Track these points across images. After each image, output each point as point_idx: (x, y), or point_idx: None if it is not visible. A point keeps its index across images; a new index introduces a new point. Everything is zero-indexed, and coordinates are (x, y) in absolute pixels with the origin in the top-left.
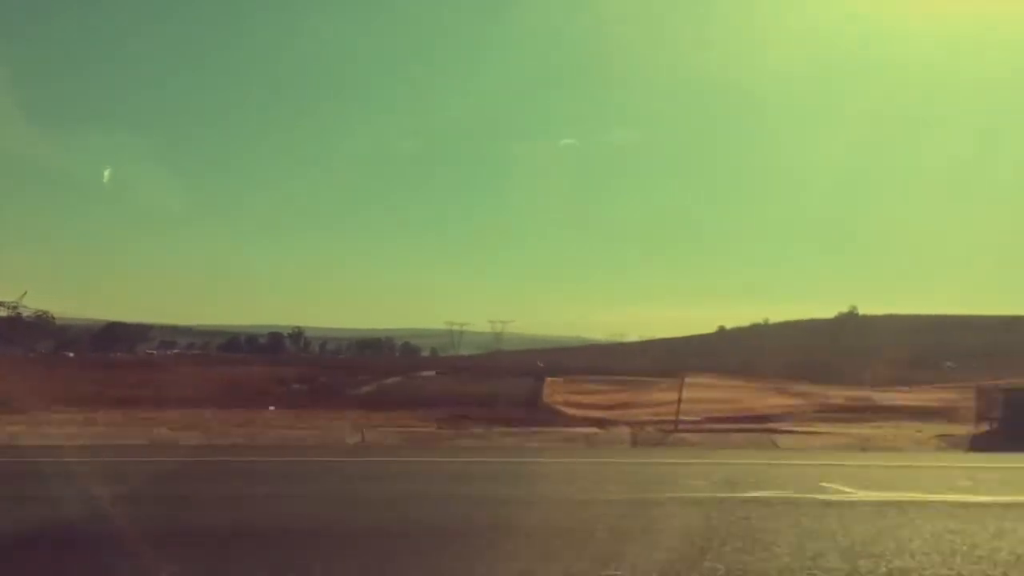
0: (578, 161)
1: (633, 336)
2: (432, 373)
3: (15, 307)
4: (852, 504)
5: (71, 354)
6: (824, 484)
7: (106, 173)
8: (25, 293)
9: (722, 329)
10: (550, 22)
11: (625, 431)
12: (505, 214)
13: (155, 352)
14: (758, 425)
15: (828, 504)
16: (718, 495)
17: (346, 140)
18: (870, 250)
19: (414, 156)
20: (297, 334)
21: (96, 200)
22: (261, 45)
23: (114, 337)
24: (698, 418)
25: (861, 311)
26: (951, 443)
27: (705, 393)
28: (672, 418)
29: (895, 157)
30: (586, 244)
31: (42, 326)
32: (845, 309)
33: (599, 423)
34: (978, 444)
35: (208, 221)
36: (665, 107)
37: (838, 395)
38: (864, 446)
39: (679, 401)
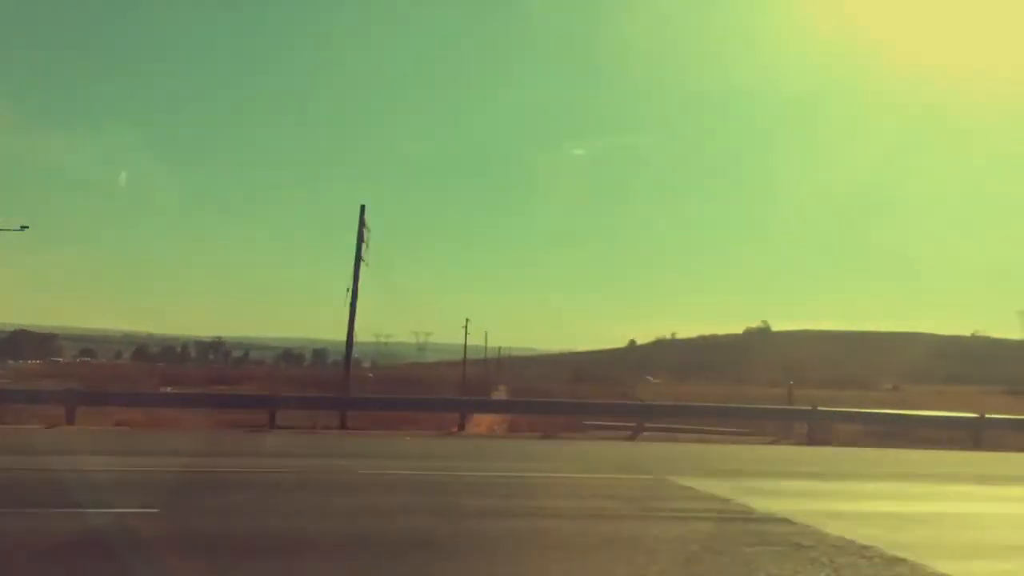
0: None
1: (559, 348)
2: None
3: None
4: None
5: None
6: None
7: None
8: None
9: (633, 343)
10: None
11: None
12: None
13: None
14: None
15: None
16: None
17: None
18: (784, 264)
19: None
20: (217, 343)
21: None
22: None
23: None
24: None
25: (776, 327)
26: None
27: None
28: None
29: (816, 175)
30: (504, 256)
31: None
32: (757, 324)
33: None
34: None
35: (149, 221)
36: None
37: None
38: None
39: None
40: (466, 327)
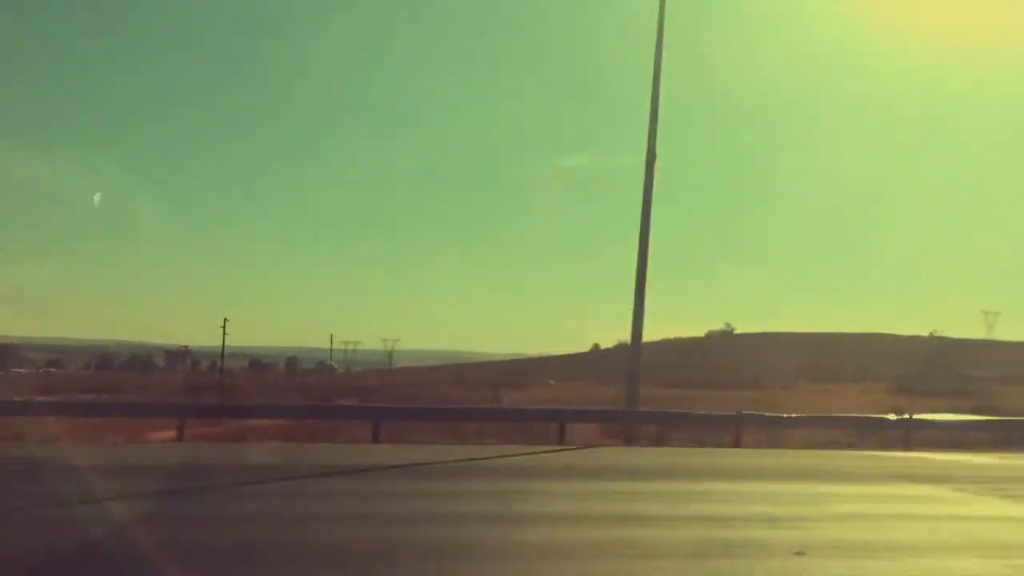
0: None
1: (530, 352)
2: None
3: None
4: None
5: None
6: None
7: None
8: None
9: (596, 347)
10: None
11: None
12: (389, 234)
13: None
14: None
15: None
16: None
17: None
18: (751, 267)
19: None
20: (183, 352)
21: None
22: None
23: None
24: None
25: (740, 329)
26: None
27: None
28: None
29: (786, 180)
30: (474, 264)
31: None
32: (720, 327)
33: None
34: None
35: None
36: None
37: None
38: None
39: None
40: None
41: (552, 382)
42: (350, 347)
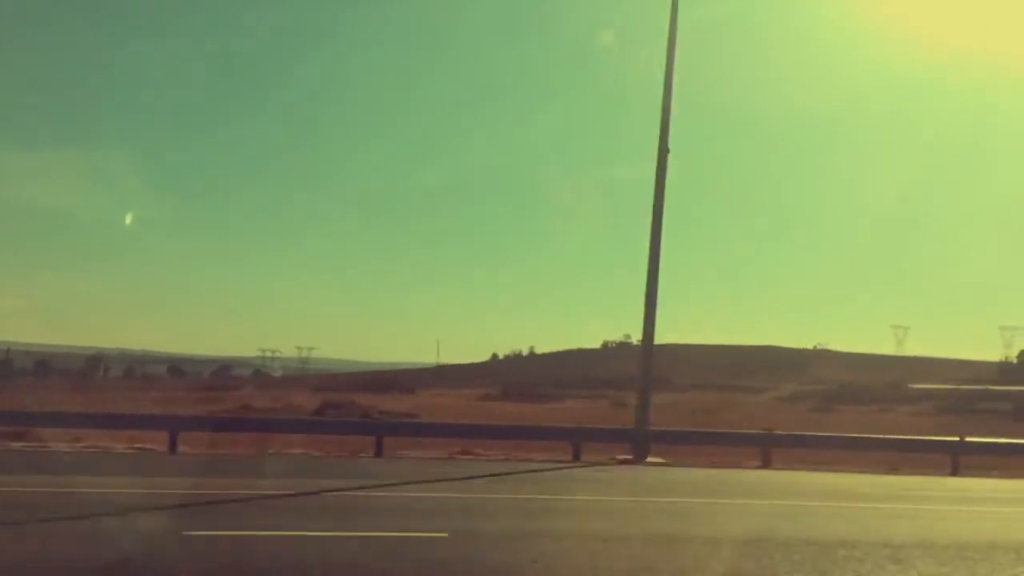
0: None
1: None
2: None
3: None
4: None
5: None
6: None
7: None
8: None
9: (495, 356)
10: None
11: None
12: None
13: None
14: None
15: None
16: None
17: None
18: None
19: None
20: (96, 357)
21: None
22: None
23: None
24: None
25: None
26: None
27: None
28: None
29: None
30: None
31: None
32: (619, 338)
33: None
34: None
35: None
36: None
37: None
38: None
39: None
40: None
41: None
42: (267, 354)
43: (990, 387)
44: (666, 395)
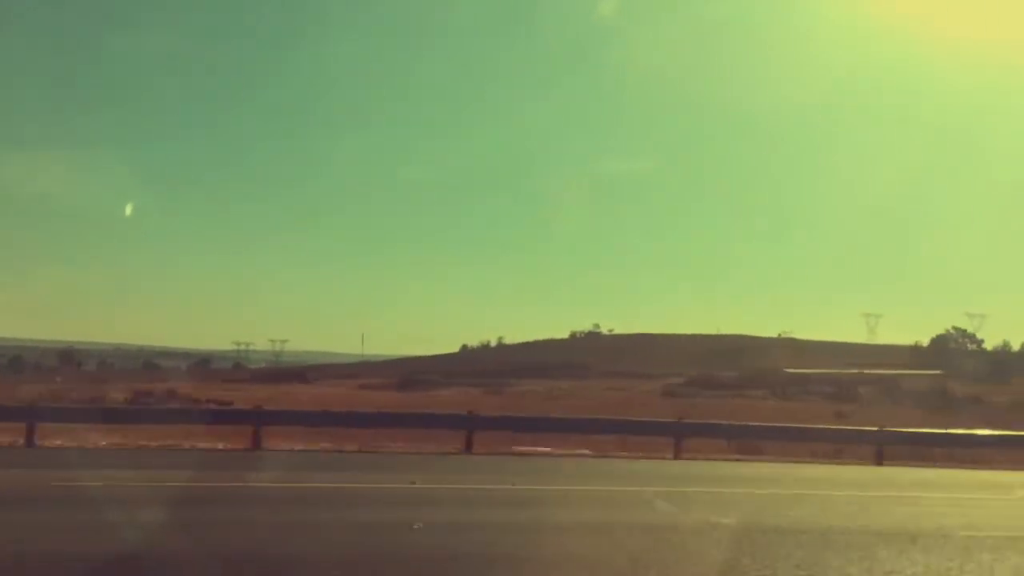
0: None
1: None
2: None
3: None
4: None
5: None
6: None
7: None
8: None
9: (465, 348)
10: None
11: None
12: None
13: None
14: None
15: None
16: None
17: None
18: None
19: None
20: (67, 351)
21: None
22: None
23: None
24: None
25: (608, 329)
26: None
27: None
28: None
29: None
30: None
31: None
32: (587, 328)
33: None
34: None
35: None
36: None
37: None
38: None
39: None
40: None
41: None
42: (241, 347)
43: (864, 371)
44: (575, 383)
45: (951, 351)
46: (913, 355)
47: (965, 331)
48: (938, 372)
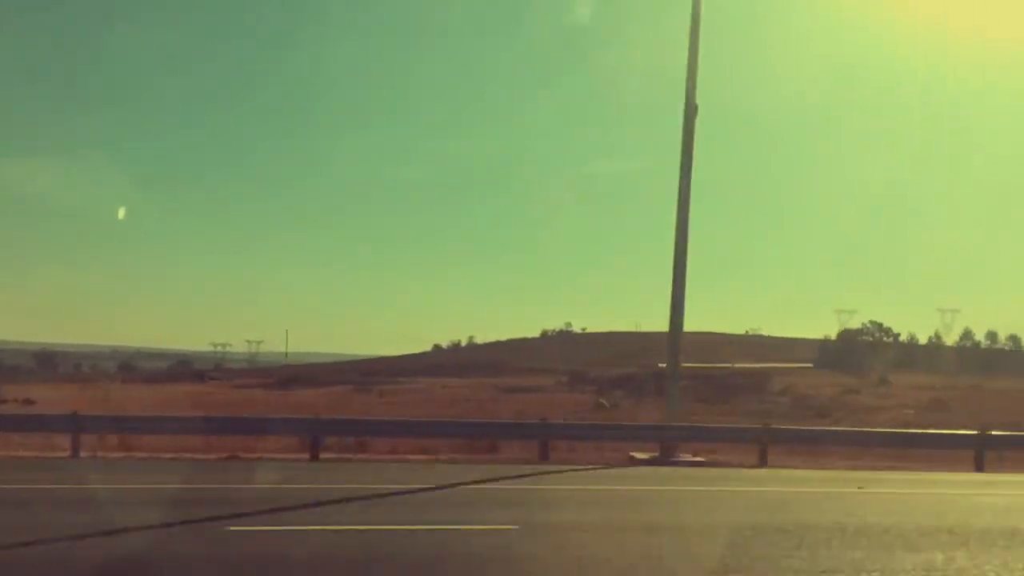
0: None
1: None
2: None
3: None
4: None
5: None
6: None
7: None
8: None
9: (437, 347)
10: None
11: None
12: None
13: None
14: None
15: None
16: None
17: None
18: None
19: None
20: (43, 353)
21: None
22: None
23: None
24: None
25: (580, 327)
26: None
27: None
28: None
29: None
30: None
31: None
32: (559, 326)
33: None
34: None
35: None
36: None
37: None
38: None
39: None
40: None
41: None
42: (218, 348)
43: (734, 364)
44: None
45: (856, 345)
46: (821, 349)
47: (881, 325)
48: (808, 365)
